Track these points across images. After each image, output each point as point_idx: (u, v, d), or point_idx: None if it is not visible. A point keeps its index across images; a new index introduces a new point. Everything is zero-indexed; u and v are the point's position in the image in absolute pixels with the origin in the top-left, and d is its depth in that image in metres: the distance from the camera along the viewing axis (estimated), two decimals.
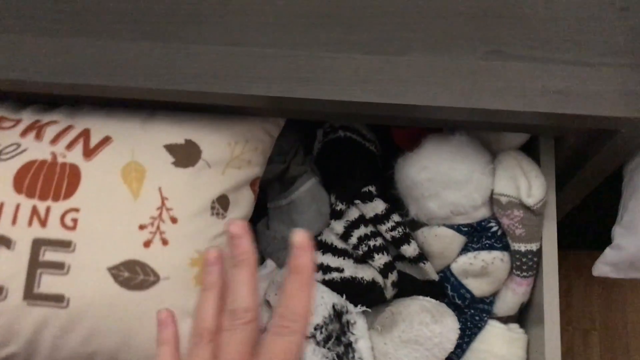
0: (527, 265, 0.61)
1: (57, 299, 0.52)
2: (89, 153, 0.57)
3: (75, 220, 0.54)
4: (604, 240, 0.73)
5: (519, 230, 0.61)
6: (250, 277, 0.43)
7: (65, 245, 0.53)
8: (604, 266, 0.65)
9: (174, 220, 0.56)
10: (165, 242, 0.55)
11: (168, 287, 0.54)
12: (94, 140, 0.58)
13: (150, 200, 0.56)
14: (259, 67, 0.56)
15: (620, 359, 1.34)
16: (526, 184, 0.60)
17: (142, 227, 0.55)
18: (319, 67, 0.56)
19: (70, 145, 0.58)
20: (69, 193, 0.55)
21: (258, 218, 0.74)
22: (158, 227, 0.55)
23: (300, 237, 0.44)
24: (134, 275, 0.53)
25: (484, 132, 0.64)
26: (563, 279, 0.66)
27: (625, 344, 1.35)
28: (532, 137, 0.65)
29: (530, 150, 0.65)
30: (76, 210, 0.54)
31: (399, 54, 0.56)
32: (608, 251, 0.64)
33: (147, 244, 0.54)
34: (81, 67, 0.57)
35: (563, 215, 0.65)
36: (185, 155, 0.59)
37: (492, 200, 0.63)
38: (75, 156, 0.57)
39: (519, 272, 0.62)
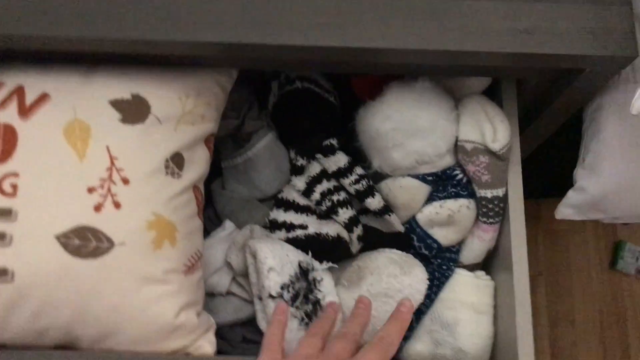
0: (493, 211, 0.61)
1: (0, 273, 0.48)
2: (25, 112, 0.52)
3: (14, 186, 0.49)
4: (550, 189, 0.72)
5: (484, 177, 0.60)
6: (366, 322, 0.53)
7: (4, 213, 0.48)
8: (567, 209, 0.65)
9: (125, 181, 0.52)
10: (117, 205, 0.51)
11: (124, 253, 0.50)
12: (29, 98, 0.53)
13: (97, 160, 0.51)
14: (209, 11, 0.52)
15: (565, 299, 1.40)
16: (491, 129, 0.59)
17: (91, 189, 0.50)
18: (275, 9, 0.52)
19: (2, 104, 0.52)
20: (5, 156, 0.50)
21: (211, 178, 0.70)
22: (109, 189, 0.51)
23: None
24: (85, 243, 0.49)
25: (447, 77, 0.62)
26: None
27: (569, 287, 1.41)
28: (493, 80, 0.64)
29: (491, 94, 0.64)
30: (15, 174, 0.49)
31: None
32: (571, 194, 0.64)
33: (97, 207, 0.50)
34: (9, 17, 0.51)
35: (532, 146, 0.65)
36: (133, 111, 0.54)
37: (456, 147, 0.61)
38: (9, 116, 0.51)
39: (485, 219, 0.61)
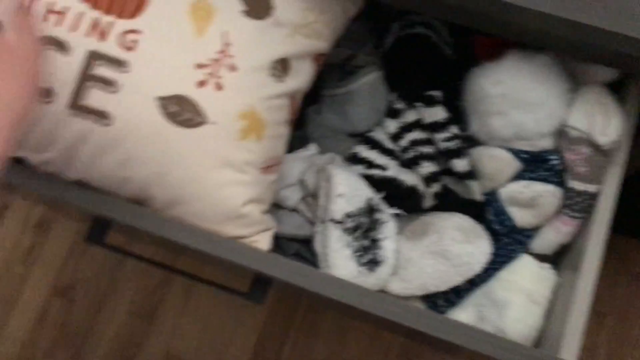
0: (579, 206, 0.58)
1: (101, 115, 0.51)
2: None
3: (135, 42, 0.52)
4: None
5: (581, 168, 0.57)
6: None
7: (120, 64, 0.52)
8: None
9: (232, 68, 0.54)
10: (219, 87, 0.53)
11: (213, 132, 0.53)
12: None
13: (213, 42, 0.54)
14: None
15: (626, 346, 1.32)
16: (603, 121, 0.56)
17: (199, 66, 0.53)
18: None
19: None
20: (134, 13, 0.53)
21: (308, 103, 0.71)
22: (216, 71, 0.53)
23: None
24: (182, 112, 0.52)
25: (574, 58, 0.59)
26: None
27: (635, 336, 1.33)
28: (622, 77, 0.60)
29: (617, 91, 0.60)
30: (138, 32, 0.52)
31: None
32: None
33: (201, 84, 0.52)
34: None
35: (632, 173, 0.61)
36: (258, 6, 0.56)
37: (560, 132, 0.59)
38: None
39: (568, 212, 0.59)
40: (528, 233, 0.62)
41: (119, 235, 1.12)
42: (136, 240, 1.12)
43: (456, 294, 0.61)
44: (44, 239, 1.25)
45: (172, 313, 1.19)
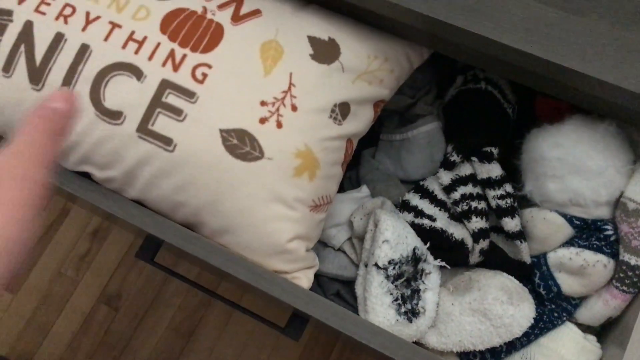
0: (631, 280, 0.56)
1: (166, 142, 0.54)
2: (237, 19, 0.58)
3: (205, 75, 0.55)
4: None
5: (636, 242, 0.56)
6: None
7: (189, 95, 0.54)
8: None
9: (294, 108, 0.55)
10: (279, 124, 0.55)
11: (268, 167, 0.54)
12: (245, 9, 0.58)
13: (278, 81, 0.56)
14: None
15: None
16: None
17: (263, 103, 0.55)
18: (489, 1, 0.52)
19: (222, 6, 0.58)
20: (208, 49, 0.56)
21: (364, 145, 0.72)
22: (277, 109, 0.55)
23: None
24: (241, 145, 0.54)
25: (637, 130, 0.58)
26: None
27: None
28: None
29: None
30: (209, 66, 0.55)
31: (580, 14, 0.51)
32: None
33: (262, 120, 0.54)
34: None
35: None
36: (324, 51, 0.58)
37: (617, 202, 0.58)
38: (223, 17, 0.57)
39: (619, 284, 0.57)
40: (574, 301, 0.60)
41: (168, 254, 1.15)
42: (183, 260, 1.15)
43: (493, 355, 0.60)
44: (99, 247, 1.30)
45: (210, 334, 1.21)
